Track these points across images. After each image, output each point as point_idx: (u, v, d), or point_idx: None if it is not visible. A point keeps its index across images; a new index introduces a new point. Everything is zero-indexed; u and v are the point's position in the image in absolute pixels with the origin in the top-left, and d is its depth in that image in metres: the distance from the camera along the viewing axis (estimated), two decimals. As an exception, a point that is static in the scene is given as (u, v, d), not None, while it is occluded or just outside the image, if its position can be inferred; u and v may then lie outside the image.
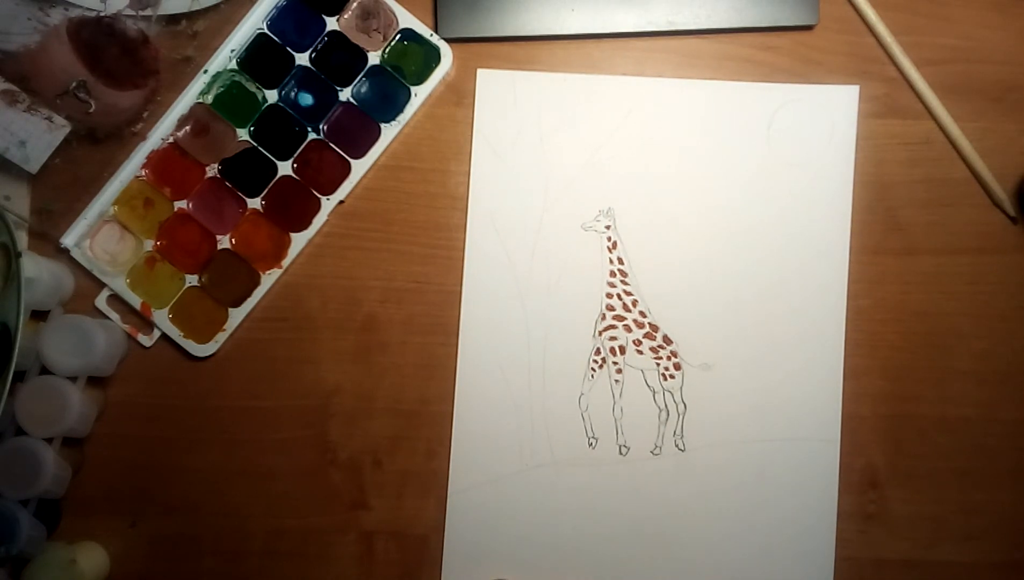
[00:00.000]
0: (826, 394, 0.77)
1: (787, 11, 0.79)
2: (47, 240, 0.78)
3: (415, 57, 0.80)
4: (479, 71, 0.80)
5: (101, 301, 0.79)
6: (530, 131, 0.79)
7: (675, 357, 0.78)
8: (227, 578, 0.78)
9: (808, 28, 0.79)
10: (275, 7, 0.80)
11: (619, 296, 0.78)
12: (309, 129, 0.80)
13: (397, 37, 0.80)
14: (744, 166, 0.79)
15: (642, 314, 0.78)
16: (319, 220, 0.79)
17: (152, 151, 0.79)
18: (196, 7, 0.78)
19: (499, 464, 0.78)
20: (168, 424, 0.79)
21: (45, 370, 0.74)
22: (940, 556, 0.77)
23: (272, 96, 0.80)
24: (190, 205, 0.80)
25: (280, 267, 0.79)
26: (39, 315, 0.76)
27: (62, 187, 0.78)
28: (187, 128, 0.80)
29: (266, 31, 0.80)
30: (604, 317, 0.78)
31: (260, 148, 0.80)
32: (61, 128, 0.75)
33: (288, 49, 0.80)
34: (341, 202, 0.79)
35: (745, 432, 0.77)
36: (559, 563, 0.77)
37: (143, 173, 0.79)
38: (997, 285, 0.79)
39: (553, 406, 0.78)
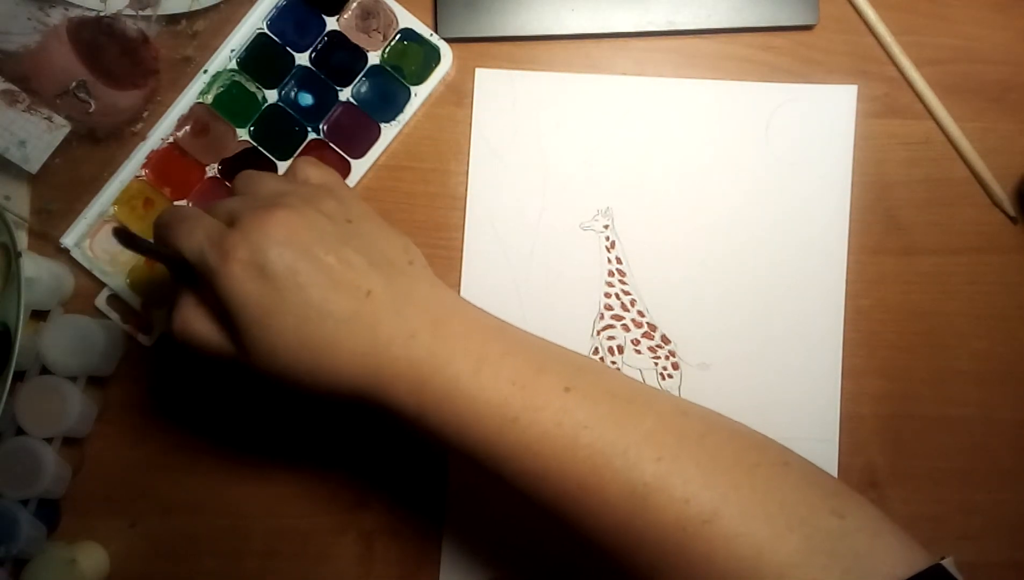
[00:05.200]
0: (825, 394, 0.77)
1: (787, 11, 0.78)
2: (47, 240, 0.78)
3: (415, 57, 0.80)
4: (477, 70, 0.80)
5: (101, 301, 0.79)
6: (528, 130, 0.79)
7: (673, 356, 0.78)
8: (227, 578, 0.78)
9: (808, 28, 0.79)
10: (275, 7, 0.80)
11: (617, 295, 0.78)
12: (309, 129, 0.80)
13: (397, 37, 0.80)
14: (742, 165, 0.79)
15: (640, 314, 0.78)
16: (319, 221, 0.79)
17: (152, 151, 0.79)
18: (196, 7, 0.78)
19: (498, 464, 0.77)
20: (168, 424, 0.79)
21: (45, 370, 0.74)
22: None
23: (272, 96, 0.80)
24: (190, 205, 0.79)
25: (280, 267, 0.79)
26: (39, 315, 0.76)
27: (62, 187, 0.78)
28: (187, 128, 0.80)
29: (266, 31, 0.80)
30: (602, 316, 0.78)
31: (260, 148, 0.79)
32: (61, 128, 0.75)
33: (288, 49, 0.80)
34: (341, 202, 0.79)
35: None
36: (558, 563, 0.77)
37: (143, 173, 0.79)
38: (997, 285, 0.79)
39: (552, 406, 0.77)
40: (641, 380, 0.78)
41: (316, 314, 0.55)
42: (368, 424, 0.78)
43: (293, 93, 0.80)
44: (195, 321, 0.59)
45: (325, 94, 0.80)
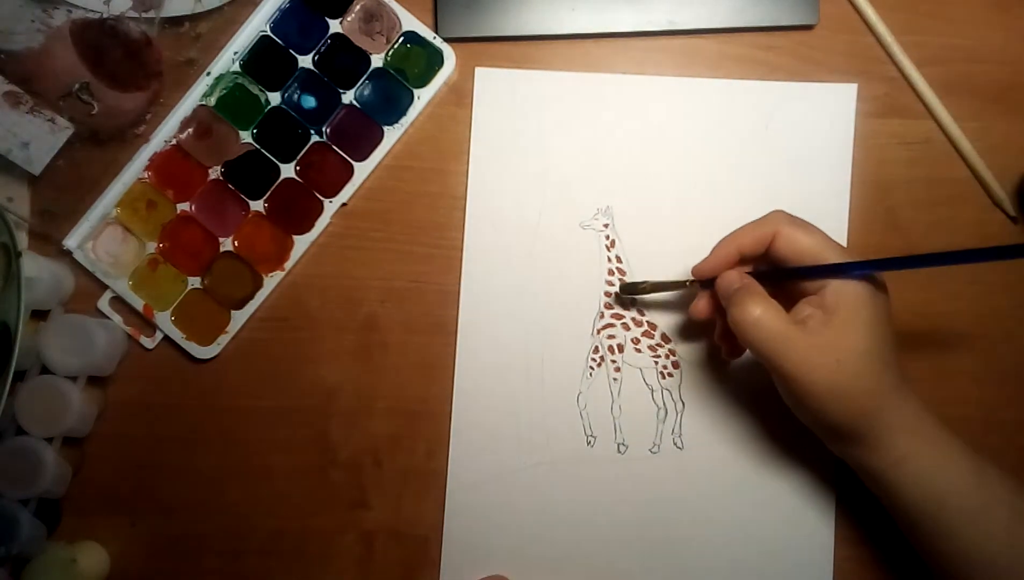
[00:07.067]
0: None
1: (787, 11, 0.79)
2: (49, 241, 0.79)
3: (418, 60, 0.80)
4: (477, 69, 0.80)
5: (104, 303, 0.79)
6: (528, 129, 0.79)
7: (673, 355, 0.78)
8: (227, 578, 0.78)
9: (808, 28, 0.79)
10: (278, 9, 0.80)
11: (617, 294, 0.78)
12: (312, 132, 0.80)
13: (400, 40, 0.80)
14: (742, 164, 0.79)
15: (640, 312, 0.78)
16: (321, 222, 0.79)
17: (155, 153, 0.80)
18: (199, 9, 0.78)
19: (497, 463, 0.77)
20: (168, 424, 0.79)
21: (45, 370, 0.74)
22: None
23: (275, 98, 0.80)
24: (193, 207, 0.80)
25: (282, 269, 0.79)
26: (39, 315, 0.77)
27: (65, 189, 0.79)
28: (190, 130, 0.80)
29: (269, 33, 0.80)
30: (602, 315, 0.78)
31: (263, 150, 0.80)
32: (64, 130, 0.75)
33: (291, 51, 0.80)
34: (344, 205, 0.79)
35: (743, 430, 0.77)
36: (557, 561, 0.77)
37: (146, 175, 0.80)
38: (997, 285, 0.78)
39: (551, 404, 0.77)
40: (641, 379, 0.78)
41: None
42: (366, 423, 0.79)
43: (296, 96, 0.80)
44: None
45: (328, 97, 0.80)
